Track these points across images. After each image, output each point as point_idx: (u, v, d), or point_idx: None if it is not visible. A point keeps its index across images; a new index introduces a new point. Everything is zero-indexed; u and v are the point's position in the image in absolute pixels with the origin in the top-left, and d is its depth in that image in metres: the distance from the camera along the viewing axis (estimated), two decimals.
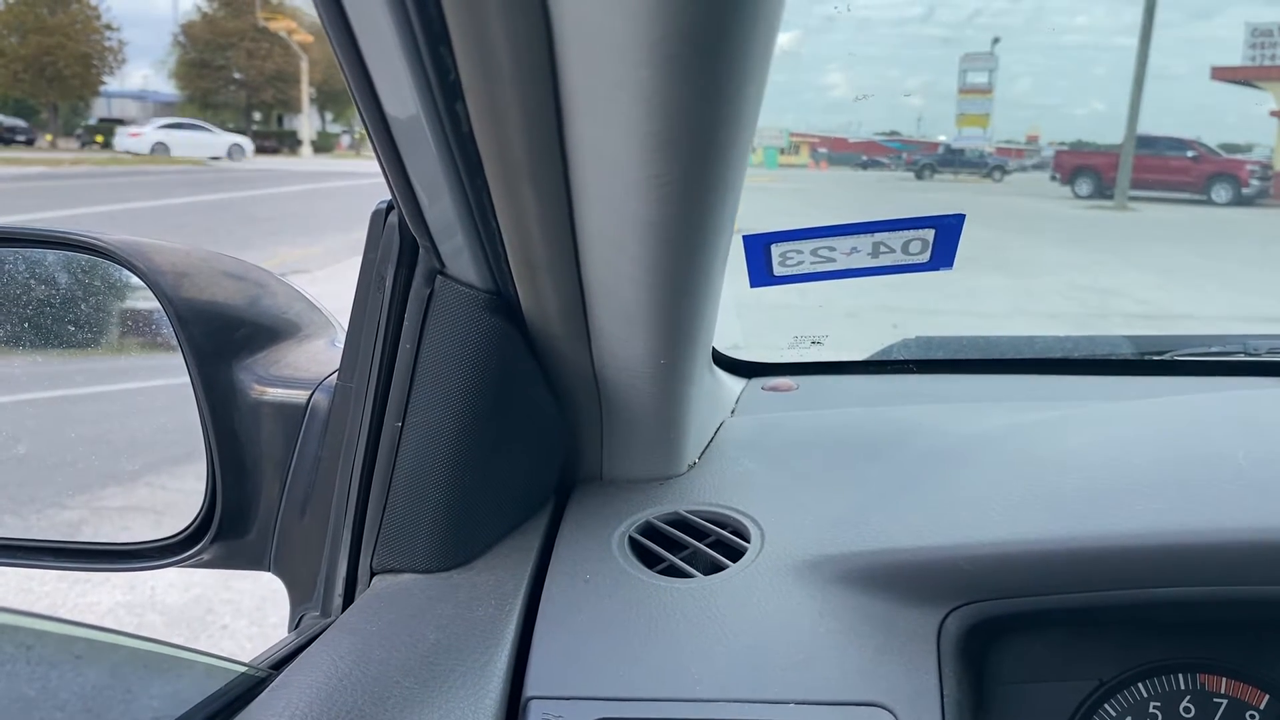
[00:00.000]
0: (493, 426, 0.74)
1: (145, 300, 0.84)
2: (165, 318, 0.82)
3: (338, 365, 0.80)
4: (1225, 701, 0.73)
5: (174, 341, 0.81)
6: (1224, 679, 0.74)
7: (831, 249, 0.80)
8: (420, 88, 0.53)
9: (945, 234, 0.79)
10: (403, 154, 0.61)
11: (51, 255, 0.93)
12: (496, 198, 0.60)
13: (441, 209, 0.65)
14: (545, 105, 0.52)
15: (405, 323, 0.73)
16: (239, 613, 2.94)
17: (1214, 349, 1.21)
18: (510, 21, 0.47)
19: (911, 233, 0.79)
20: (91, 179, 20.87)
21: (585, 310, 0.71)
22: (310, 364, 0.87)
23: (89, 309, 0.93)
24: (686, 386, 0.81)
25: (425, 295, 0.72)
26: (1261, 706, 0.73)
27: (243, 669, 0.63)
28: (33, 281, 0.93)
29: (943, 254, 0.80)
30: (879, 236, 0.79)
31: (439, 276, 0.72)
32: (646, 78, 0.46)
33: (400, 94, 0.55)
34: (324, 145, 46.97)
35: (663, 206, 0.56)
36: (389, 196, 0.70)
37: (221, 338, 0.83)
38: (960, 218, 0.78)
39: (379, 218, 0.74)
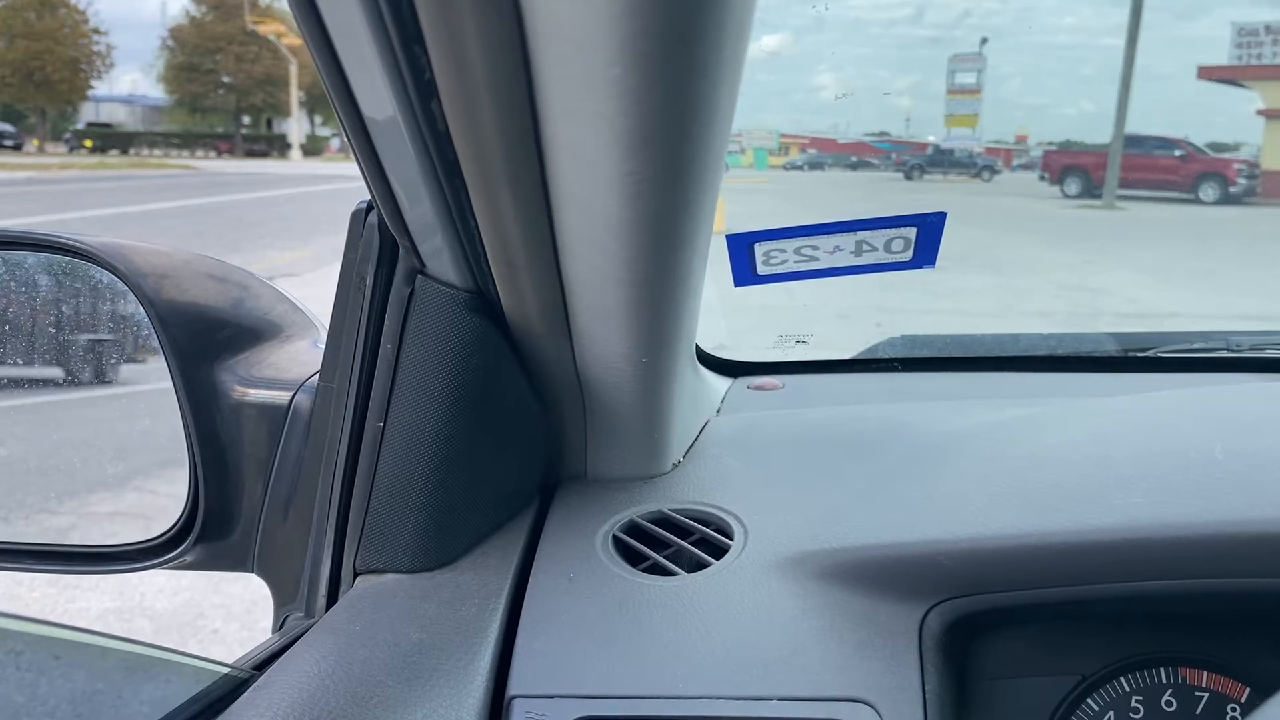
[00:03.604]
0: (475, 426, 0.74)
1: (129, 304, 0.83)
2: (147, 319, 0.81)
3: (320, 366, 0.80)
4: (1206, 695, 0.74)
5: (155, 343, 0.81)
6: (1205, 672, 0.74)
7: (815, 248, 0.80)
8: (396, 87, 0.53)
9: (927, 232, 0.79)
10: (381, 154, 0.61)
11: (33, 258, 0.93)
12: (474, 197, 0.60)
13: (421, 209, 0.65)
14: (520, 103, 0.52)
15: (386, 323, 0.73)
16: (230, 617, 2.93)
17: (1197, 345, 1.22)
18: (482, 19, 0.47)
19: (894, 231, 0.79)
20: (80, 184, 20.80)
21: (566, 309, 0.71)
22: (292, 365, 0.87)
23: (70, 311, 0.93)
24: (669, 385, 0.81)
25: (405, 295, 0.72)
26: (1243, 700, 0.73)
27: (225, 670, 0.63)
28: (13, 284, 0.93)
29: (925, 252, 0.80)
30: (861, 235, 0.79)
31: (419, 276, 0.72)
32: (618, 75, 0.46)
33: (377, 94, 0.55)
34: (313, 149, 46.96)
35: (639, 204, 0.56)
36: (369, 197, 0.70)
37: (203, 339, 0.83)
38: (942, 216, 0.79)
39: (359, 218, 0.74)
